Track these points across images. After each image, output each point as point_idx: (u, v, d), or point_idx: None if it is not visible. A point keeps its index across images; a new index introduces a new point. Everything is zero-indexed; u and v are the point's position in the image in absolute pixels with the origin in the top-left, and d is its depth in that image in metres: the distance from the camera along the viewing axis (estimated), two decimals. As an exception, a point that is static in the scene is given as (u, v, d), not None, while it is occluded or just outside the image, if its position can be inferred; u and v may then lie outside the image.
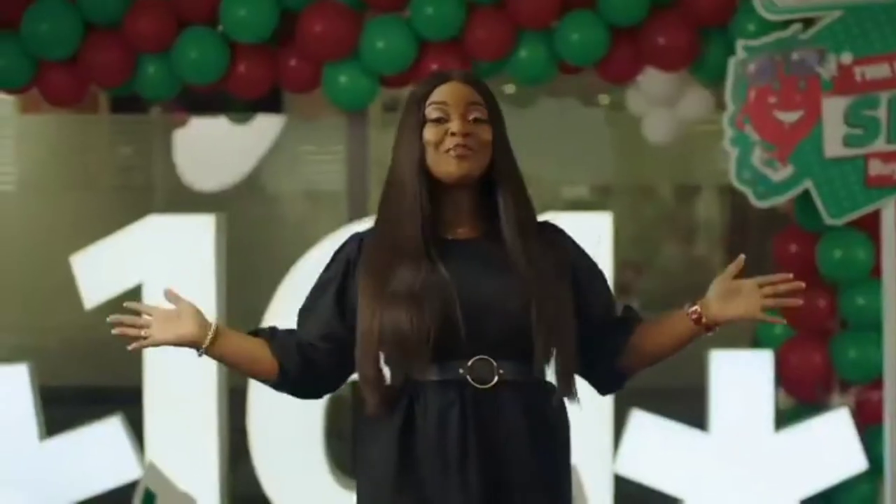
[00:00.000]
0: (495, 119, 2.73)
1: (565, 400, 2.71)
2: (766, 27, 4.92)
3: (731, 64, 4.94)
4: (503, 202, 2.70)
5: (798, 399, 5.22)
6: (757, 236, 7.81)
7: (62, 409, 5.25)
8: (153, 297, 5.01)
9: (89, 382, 6.93)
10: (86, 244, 5.08)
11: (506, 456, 2.63)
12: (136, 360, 5.06)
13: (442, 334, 2.60)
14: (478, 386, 2.63)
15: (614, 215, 5.01)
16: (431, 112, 2.69)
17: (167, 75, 5.20)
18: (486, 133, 2.69)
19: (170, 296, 2.75)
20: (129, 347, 2.75)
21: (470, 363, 2.63)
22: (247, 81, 5.23)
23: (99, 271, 5.02)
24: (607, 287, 2.82)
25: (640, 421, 4.93)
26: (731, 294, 2.69)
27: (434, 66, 5.10)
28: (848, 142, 4.85)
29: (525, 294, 2.62)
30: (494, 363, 2.63)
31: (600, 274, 2.81)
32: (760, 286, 2.70)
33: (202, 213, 5.17)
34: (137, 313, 2.76)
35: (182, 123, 7.50)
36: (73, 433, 4.96)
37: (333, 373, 2.79)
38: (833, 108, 4.84)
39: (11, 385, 4.95)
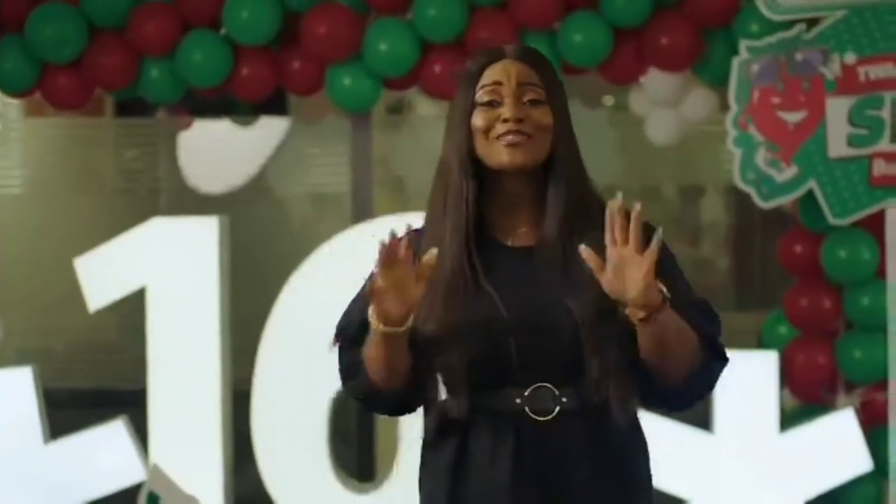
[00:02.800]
0: (555, 100, 2.44)
1: (638, 423, 2.48)
2: (770, 27, 4.91)
3: (735, 64, 4.93)
4: (553, 199, 2.41)
5: (803, 400, 5.21)
6: (761, 237, 7.81)
7: (66, 411, 5.26)
8: (157, 301, 5.02)
9: (93, 385, 6.94)
10: (91, 247, 5.09)
11: (566, 492, 2.39)
12: (140, 363, 5.07)
13: (488, 361, 2.37)
14: (537, 418, 2.38)
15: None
16: (482, 95, 2.42)
17: (171, 78, 5.20)
18: (543, 116, 2.41)
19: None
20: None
21: (527, 392, 2.38)
22: (250, 84, 5.23)
23: (103, 274, 5.03)
24: (680, 293, 2.42)
25: (645, 421, 4.91)
26: (617, 276, 2.31)
27: (437, 68, 5.10)
28: (852, 142, 4.84)
29: (570, 312, 2.35)
30: (556, 391, 2.38)
31: (675, 279, 2.44)
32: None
33: (207, 215, 5.17)
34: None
35: (186, 126, 7.50)
36: (77, 436, 4.97)
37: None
38: (837, 109, 4.83)
39: (16, 388, 4.96)
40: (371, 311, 2.33)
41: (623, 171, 8.45)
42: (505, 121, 2.39)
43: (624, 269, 2.28)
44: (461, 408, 2.39)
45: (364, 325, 2.41)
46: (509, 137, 2.39)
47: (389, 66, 5.12)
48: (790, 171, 4.90)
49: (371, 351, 2.40)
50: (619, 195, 2.33)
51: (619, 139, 8.12)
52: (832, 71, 4.85)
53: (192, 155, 7.56)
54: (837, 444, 4.92)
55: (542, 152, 2.42)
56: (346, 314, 2.53)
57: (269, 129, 7.43)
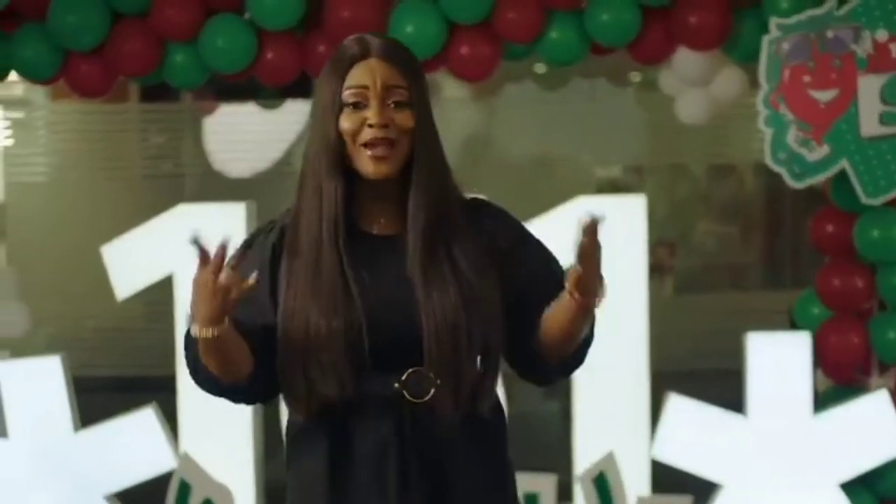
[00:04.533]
0: (419, 100, 2.51)
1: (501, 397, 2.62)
2: (800, 5, 4.86)
3: (765, 43, 4.88)
4: (413, 200, 2.50)
5: (836, 381, 5.17)
6: (792, 216, 7.77)
7: (95, 397, 5.26)
8: (184, 288, 5.01)
9: (122, 372, 6.95)
10: (117, 233, 5.08)
11: (447, 472, 2.50)
12: (169, 349, 5.06)
13: (361, 354, 2.45)
14: (414, 400, 2.47)
15: (648, 195, 4.96)
16: (348, 97, 2.48)
17: (195, 64, 5.17)
18: (407, 119, 2.49)
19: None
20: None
21: (405, 376, 2.47)
22: (275, 68, 5.20)
23: (130, 262, 5.02)
24: (536, 260, 2.60)
25: (677, 405, 4.89)
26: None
27: (464, 50, 5.07)
28: (884, 120, 4.79)
29: (416, 304, 2.46)
30: (430, 374, 2.47)
31: (529, 249, 2.61)
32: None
33: (232, 199, 5.15)
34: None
35: (211, 110, 7.50)
36: (107, 424, 4.95)
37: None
38: (869, 87, 4.77)
39: (45, 377, 4.94)
40: (188, 314, 2.41)
41: (652, 149, 8.41)
42: (370, 126, 2.46)
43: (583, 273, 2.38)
44: (330, 396, 2.46)
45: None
46: (375, 150, 2.46)
47: (416, 49, 4.98)
48: (822, 151, 4.85)
49: (201, 351, 2.47)
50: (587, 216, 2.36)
51: (649, 117, 8.08)
52: (864, 48, 4.79)
53: (217, 139, 7.56)
54: (872, 426, 4.87)
55: (404, 155, 2.50)
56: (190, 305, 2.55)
57: (295, 113, 7.42)
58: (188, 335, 2.52)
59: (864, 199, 4.85)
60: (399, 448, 2.48)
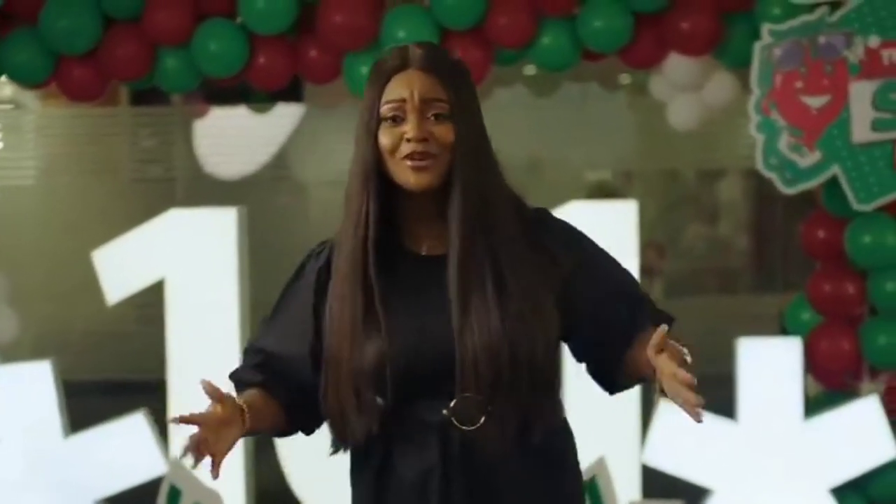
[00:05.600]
0: (460, 111, 2.40)
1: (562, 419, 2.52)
2: (792, 11, 4.86)
3: (757, 49, 4.89)
4: (451, 217, 2.39)
5: (827, 386, 5.17)
6: (783, 219, 7.77)
7: (86, 403, 5.25)
8: (176, 292, 5.00)
9: (112, 377, 6.93)
10: (108, 237, 5.07)
11: (496, 500, 2.41)
12: (159, 354, 5.05)
13: (402, 383, 2.37)
14: (462, 427, 2.37)
15: (638, 198, 4.96)
16: (386, 111, 2.39)
17: (187, 68, 5.16)
18: (446, 133, 2.38)
19: (209, 389, 2.39)
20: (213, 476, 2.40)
21: (453, 403, 2.37)
22: (267, 73, 5.19)
23: (121, 267, 5.01)
24: (611, 279, 2.51)
25: (668, 410, 4.89)
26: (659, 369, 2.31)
27: (457, 56, 5.05)
28: (876, 126, 4.79)
29: (452, 329, 2.36)
30: (481, 402, 2.36)
31: (601, 266, 2.51)
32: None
33: (223, 203, 5.14)
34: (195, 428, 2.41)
35: (202, 114, 7.49)
36: (97, 429, 4.94)
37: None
38: (861, 93, 4.78)
39: (35, 382, 4.93)
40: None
41: (643, 154, 8.42)
42: (408, 140, 2.37)
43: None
44: (374, 429, 2.40)
45: (253, 367, 2.53)
46: (415, 161, 2.37)
47: (408, 54, 5.07)
48: (813, 157, 4.86)
49: None
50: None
51: (640, 122, 8.08)
52: (855, 54, 4.79)
53: (208, 142, 7.55)
54: (862, 431, 4.88)
55: (447, 170, 2.40)
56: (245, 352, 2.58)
57: (286, 116, 7.41)
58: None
59: (855, 205, 4.85)
60: (443, 476, 2.39)
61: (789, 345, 4.93)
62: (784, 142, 4.87)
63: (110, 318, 6.18)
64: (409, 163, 2.37)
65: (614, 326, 2.47)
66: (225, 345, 5.01)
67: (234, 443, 2.38)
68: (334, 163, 7.62)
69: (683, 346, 2.30)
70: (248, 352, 2.59)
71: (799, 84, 4.84)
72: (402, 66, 2.41)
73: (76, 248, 5.53)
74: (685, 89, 5.43)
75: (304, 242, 5.85)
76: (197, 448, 2.32)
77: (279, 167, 7.64)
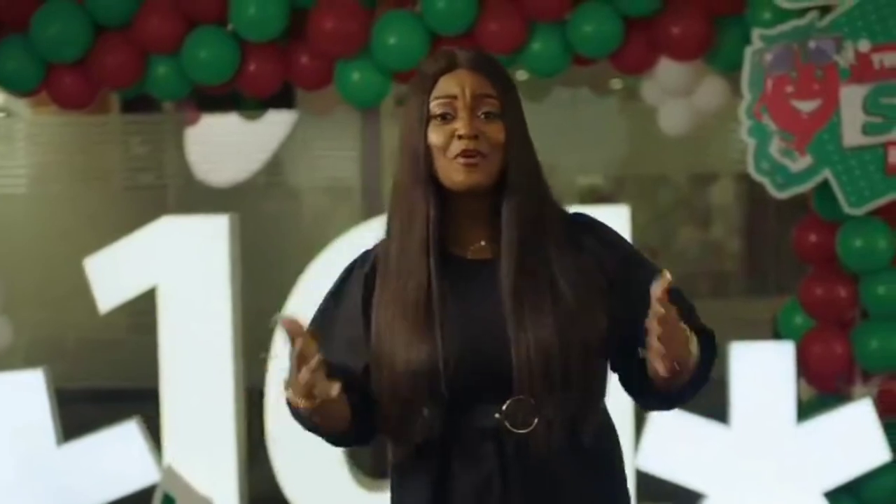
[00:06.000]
0: (510, 111, 2.39)
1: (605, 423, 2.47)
2: (782, 15, 4.87)
3: (748, 53, 4.89)
4: (506, 217, 2.37)
5: (819, 390, 5.18)
6: (775, 222, 7.78)
7: (79, 411, 5.24)
8: (168, 300, 5.00)
9: (105, 384, 6.92)
10: (100, 244, 5.06)
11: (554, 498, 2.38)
12: (152, 362, 5.05)
13: (457, 387, 2.34)
14: (515, 430, 2.34)
15: (629, 202, 4.97)
16: (436, 107, 2.36)
17: (177, 76, 5.16)
18: (497, 132, 2.36)
19: (289, 326, 2.27)
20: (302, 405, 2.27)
21: (505, 406, 2.34)
22: (258, 80, 5.19)
23: (113, 274, 5.00)
24: (641, 285, 2.36)
25: (661, 415, 4.89)
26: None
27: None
28: (867, 130, 4.80)
29: (507, 334, 2.33)
30: (533, 404, 2.34)
31: (634, 273, 2.43)
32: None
33: (215, 210, 5.14)
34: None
35: (194, 121, 7.48)
36: (90, 437, 4.94)
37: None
38: (851, 97, 4.79)
39: (28, 390, 4.93)
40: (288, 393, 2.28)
41: (634, 159, 8.42)
42: (460, 137, 2.34)
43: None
44: (426, 433, 2.37)
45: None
46: (467, 158, 2.34)
47: (398, 60, 5.08)
48: (805, 161, 4.86)
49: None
50: (667, 275, 2.24)
51: (631, 126, 8.08)
52: (846, 59, 4.80)
53: (200, 150, 7.54)
54: (855, 435, 4.88)
55: (497, 170, 2.37)
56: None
57: (277, 123, 7.41)
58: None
59: (846, 209, 4.86)
60: (502, 481, 2.37)
61: (782, 349, 4.93)
62: (775, 146, 4.88)
63: (103, 325, 6.17)
64: (461, 160, 2.34)
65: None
66: (218, 352, 5.01)
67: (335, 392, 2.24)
68: (327, 169, 7.63)
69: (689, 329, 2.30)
70: None
71: (790, 88, 4.85)
72: (450, 66, 2.39)
73: (68, 256, 5.52)
74: (676, 94, 5.44)
75: (296, 249, 5.87)
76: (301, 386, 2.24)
77: (271, 174, 7.64)
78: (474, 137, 2.34)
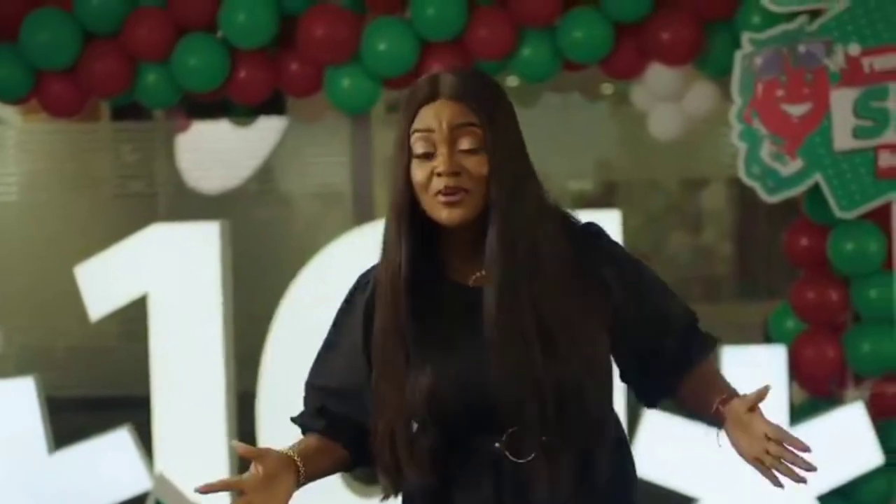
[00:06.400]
0: (495, 140, 2.28)
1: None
2: (772, 20, 4.87)
3: (738, 57, 4.89)
4: (488, 251, 2.28)
5: (812, 394, 5.18)
6: (766, 226, 7.78)
7: (70, 419, 5.23)
8: (159, 308, 4.99)
9: (96, 392, 6.91)
10: (91, 252, 5.05)
11: None
12: (143, 369, 5.04)
13: (453, 421, 2.32)
14: (516, 460, 2.30)
15: (620, 207, 4.97)
16: (417, 145, 2.27)
17: (167, 83, 5.16)
18: (479, 165, 2.26)
19: (241, 451, 2.32)
20: None
21: (505, 436, 2.30)
22: (248, 87, 5.19)
23: (103, 282, 4.99)
24: (661, 310, 2.42)
25: (653, 419, 4.89)
26: (743, 423, 2.41)
27: (437, 67, 5.05)
28: (857, 134, 4.81)
29: (494, 369, 2.27)
30: (532, 435, 2.29)
31: (650, 296, 2.41)
32: (768, 438, 2.37)
33: (206, 217, 5.13)
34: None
35: (184, 128, 7.47)
36: (81, 445, 4.93)
37: None
38: (842, 100, 4.79)
39: (19, 398, 4.92)
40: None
41: (625, 163, 8.43)
42: (439, 175, 2.26)
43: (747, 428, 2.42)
44: (426, 476, 2.34)
45: (315, 412, 2.45)
46: (447, 197, 2.27)
47: (388, 67, 5.08)
48: (795, 165, 4.87)
49: None
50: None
51: (621, 131, 8.08)
52: (836, 62, 4.81)
53: (190, 157, 7.53)
54: (848, 438, 4.88)
55: (483, 202, 2.29)
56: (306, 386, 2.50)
57: (268, 130, 7.40)
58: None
59: (837, 213, 4.86)
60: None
61: (774, 353, 4.93)
62: (766, 150, 4.88)
63: (94, 333, 6.16)
64: (441, 198, 2.27)
65: (663, 359, 2.43)
66: (209, 359, 5.00)
67: (290, 494, 2.32)
68: (317, 176, 7.62)
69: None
70: (309, 390, 2.50)
71: (780, 92, 4.86)
72: (432, 95, 2.30)
73: (59, 264, 5.52)
74: (667, 99, 5.44)
75: (287, 256, 5.86)
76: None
77: (262, 181, 7.63)
78: (455, 174, 2.26)
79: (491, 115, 2.30)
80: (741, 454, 2.40)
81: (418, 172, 2.29)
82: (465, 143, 2.27)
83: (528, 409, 2.27)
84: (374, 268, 2.42)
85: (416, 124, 2.29)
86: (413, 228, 2.32)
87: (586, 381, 2.31)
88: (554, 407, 2.27)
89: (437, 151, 2.27)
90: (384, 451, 2.35)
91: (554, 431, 2.29)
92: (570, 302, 2.31)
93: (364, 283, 2.44)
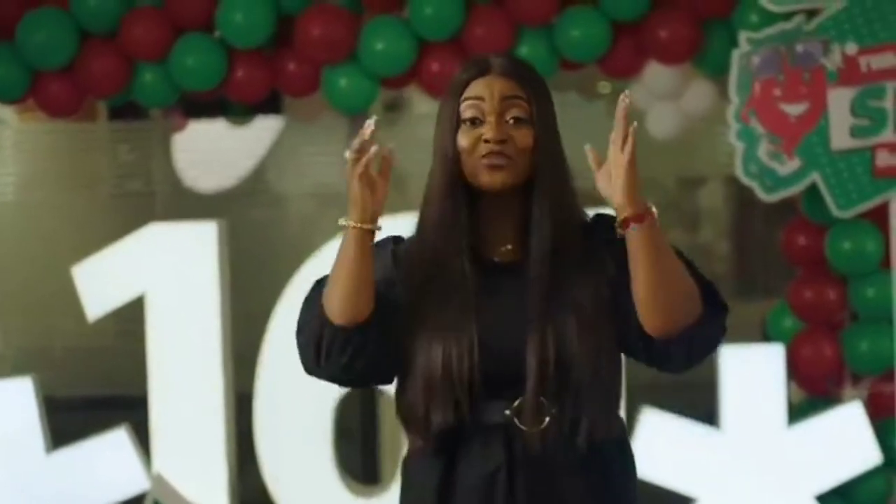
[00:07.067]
0: (541, 116, 2.42)
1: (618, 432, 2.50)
2: (770, 19, 4.87)
3: (735, 56, 4.90)
4: (537, 221, 2.40)
5: (810, 393, 5.18)
6: (764, 225, 7.78)
7: (67, 419, 5.23)
8: (157, 307, 4.99)
9: (94, 392, 6.90)
10: (88, 252, 5.05)
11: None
12: (140, 369, 5.04)
13: (473, 376, 2.38)
14: (524, 428, 2.38)
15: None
16: (465, 110, 2.40)
17: (165, 83, 5.15)
18: (525, 137, 2.39)
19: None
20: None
21: (516, 404, 2.38)
22: (245, 87, 5.19)
23: (101, 282, 5.00)
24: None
25: (651, 418, 4.89)
26: (607, 178, 2.39)
27: (434, 66, 5.06)
28: (855, 133, 4.81)
29: (526, 334, 2.37)
30: (545, 402, 2.38)
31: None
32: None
33: (203, 216, 5.14)
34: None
35: (181, 128, 7.46)
36: (79, 445, 4.93)
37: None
38: (839, 100, 4.79)
39: (16, 398, 4.92)
40: (350, 211, 2.32)
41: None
42: (486, 142, 2.38)
43: (613, 172, 2.37)
44: (447, 420, 2.40)
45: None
46: (491, 160, 2.38)
47: (386, 66, 5.08)
48: (793, 164, 4.87)
49: (337, 268, 2.40)
50: (627, 93, 2.42)
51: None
52: (833, 62, 4.81)
53: (187, 156, 7.52)
54: (846, 437, 4.89)
55: (524, 173, 2.41)
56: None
57: (265, 129, 7.39)
58: (312, 292, 2.55)
59: (835, 212, 4.86)
60: (508, 477, 2.40)
61: (772, 352, 4.94)
62: (763, 149, 4.89)
63: (91, 333, 6.15)
64: (485, 161, 2.37)
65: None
66: (207, 359, 5.00)
67: (379, 195, 2.32)
68: (314, 175, 7.61)
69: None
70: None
71: (777, 92, 4.86)
72: (482, 72, 2.43)
73: (56, 264, 5.51)
74: (664, 98, 5.44)
75: (284, 255, 5.85)
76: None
77: (259, 180, 7.62)
78: (501, 142, 2.38)
79: (538, 94, 2.43)
80: (619, 179, 2.37)
81: (464, 138, 2.39)
82: (513, 113, 2.40)
83: (553, 378, 2.36)
84: (407, 238, 2.50)
85: (468, 92, 2.41)
86: (464, 197, 2.41)
87: (604, 357, 2.40)
88: (576, 378, 2.36)
89: (485, 119, 2.39)
90: (414, 402, 2.40)
91: (566, 402, 2.38)
92: (596, 282, 2.41)
93: (397, 240, 2.51)
